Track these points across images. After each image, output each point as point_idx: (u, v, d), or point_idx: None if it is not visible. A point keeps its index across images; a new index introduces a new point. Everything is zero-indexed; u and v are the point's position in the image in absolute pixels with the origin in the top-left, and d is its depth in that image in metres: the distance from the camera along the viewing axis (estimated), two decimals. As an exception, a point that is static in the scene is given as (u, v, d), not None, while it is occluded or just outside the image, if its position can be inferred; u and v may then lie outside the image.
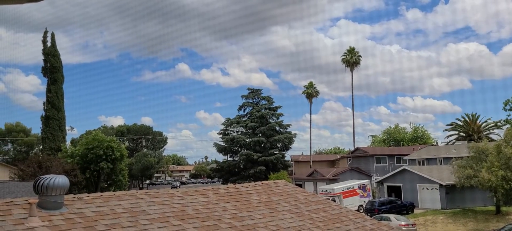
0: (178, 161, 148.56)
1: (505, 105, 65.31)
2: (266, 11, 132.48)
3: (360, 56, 71.12)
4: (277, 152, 67.48)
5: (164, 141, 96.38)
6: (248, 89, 74.42)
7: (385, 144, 78.64)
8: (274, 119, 71.02)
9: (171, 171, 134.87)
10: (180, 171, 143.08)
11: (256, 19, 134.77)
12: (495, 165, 29.15)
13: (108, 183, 43.80)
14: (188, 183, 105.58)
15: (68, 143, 54.67)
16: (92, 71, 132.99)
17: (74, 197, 7.49)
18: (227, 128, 72.40)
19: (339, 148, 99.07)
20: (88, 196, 7.68)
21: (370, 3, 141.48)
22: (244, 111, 73.04)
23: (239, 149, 69.12)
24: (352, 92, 72.30)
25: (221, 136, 72.01)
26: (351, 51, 71.09)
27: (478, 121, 68.98)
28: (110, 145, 42.20)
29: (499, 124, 67.34)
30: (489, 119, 69.71)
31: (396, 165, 54.37)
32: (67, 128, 53.26)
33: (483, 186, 30.09)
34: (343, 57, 71.69)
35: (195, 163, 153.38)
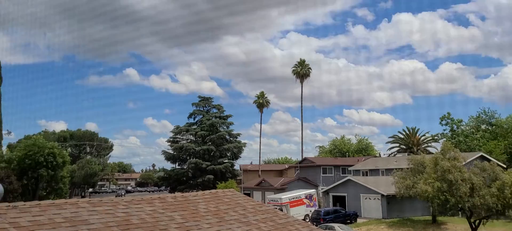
0: (124, 168, 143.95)
1: (441, 120, 69.48)
2: (217, 19, 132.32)
3: (310, 68, 72.78)
4: (226, 161, 67.21)
5: (109, 148, 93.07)
6: (199, 97, 73.88)
7: (331, 155, 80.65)
8: (224, 127, 70.78)
9: (116, 179, 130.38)
10: (126, 179, 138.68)
11: (207, 27, 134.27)
12: (432, 177, 30.68)
13: (47, 191, 41.50)
14: (133, 192, 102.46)
15: (4, 148, 51.34)
16: (33, 74, 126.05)
17: (9, 206, 7.00)
18: (176, 136, 71.22)
19: (287, 158, 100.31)
20: (25, 205, 7.21)
21: (319, 17, 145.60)
22: (194, 119, 72.30)
23: (188, 157, 68.15)
24: (301, 103, 73.81)
25: (169, 143, 70.78)
26: (302, 63, 72.55)
27: (417, 134, 72.55)
28: (52, 151, 40.11)
29: (436, 137, 71.38)
30: (427, 133, 73.71)
31: (341, 175, 55.85)
32: (4, 132, 50.01)
33: (421, 196, 31.57)
34: (294, 68, 73.00)
35: (142, 170, 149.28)
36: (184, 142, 69.83)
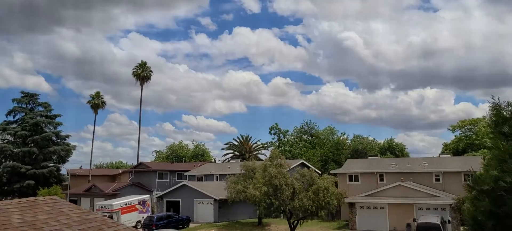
0: None
1: (271, 130, 75.85)
2: (50, 8, 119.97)
3: (151, 71, 71.25)
4: (52, 164, 60.87)
5: None
6: (22, 93, 65.40)
7: (168, 160, 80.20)
8: (51, 128, 64.04)
9: None
10: None
11: (37, 15, 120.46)
12: (260, 182, 33.10)
13: None
14: None
15: None
16: None
17: None
18: (-10, 135, 61.59)
19: (122, 162, 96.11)
20: None
21: (162, 21, 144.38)
22: (14, 117, 63.66)
23: (4, 160, 59.54)
24: (140, 106, 71.55)
25: (-20, 143, 60.67)
26: (143, 65, 70.60)
27: (250, 142, 77.37)
28: None
29: (266, 145, 77.38)
30: (258, 141, 79.25)
31: (177, 180, 55.92)
32: None
33: (250, 200, 33.76)
34: (134, 70, 70.53)
35: None
36: (0, 142, 60.87)
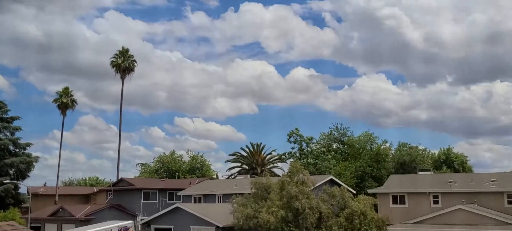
0: None
1: (290, 137, 75.47)
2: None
3: (134, 61, 71.83)
4: (8, 181, 61.48)
5: None
6: (-31, 88, 66.32)
7: (157, 175, 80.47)
8: (8, 134, 64.88)
9: None
10: None
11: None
12: (276, 204, 32.83)
13: None
14: None
15: None
16: None
17: None
18: None
19: (98, 179, 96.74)
20: None
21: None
22: (-41, 121, 64.51)
23: None
24: (121, 106, 72.18)
25: None
26: (124, 53, 71.10)
27: (262, 152, 77.22)
28: None
29: (283, 156, 77.10)
30: (274, 151, 79.00)
31: (168, 202, 55.94)
32: None
33: (263, 228, 33.51)
34: (113, 59, 71.08)
35: None
36: None
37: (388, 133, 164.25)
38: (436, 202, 40.39)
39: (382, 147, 72.08)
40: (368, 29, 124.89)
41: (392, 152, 72.71)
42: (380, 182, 59.65)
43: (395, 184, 45.30)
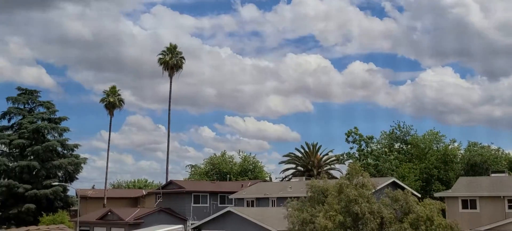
0: None
1: (348, 136, 74.87)
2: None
3: (183, 57, 72.76)
4: (57, 183, 63.88)
5: None
6: (18, 89, 69.21)
7: (207, 178, 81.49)
8: (56, 135, 67.36)
9: None
10: None
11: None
12: (334, 208, 32.71)
13: None
14: None
15: None
16: None
17: None
18: (-21, 145, 65.87)
19: (146, 181, 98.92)
20: None
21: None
22: (8, 122, 67.54)
23: (-3, 177, 63.45)
24: (170, 105, 73.45)
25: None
26: (172, 49, 72.15)
27: (319, 153, 76.92)
28: None
29: (341, 157, 76.61)
30: (330, 151, 78.57)
31: (219, 205, 56.61)
32: None
33: (320, 234, 33.46)
34: (161, 57, 72.27)
35: None
36: (-8, 154, 64.91)
37: (456, 131, 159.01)
38: (511, 207, 39.33)
39: (450, 146, 70.54)
40: (433, 19, 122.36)
41: (461, 152, 71.11)
42: (447, 185, 58.46)
43: (464, 187, 44.36)
